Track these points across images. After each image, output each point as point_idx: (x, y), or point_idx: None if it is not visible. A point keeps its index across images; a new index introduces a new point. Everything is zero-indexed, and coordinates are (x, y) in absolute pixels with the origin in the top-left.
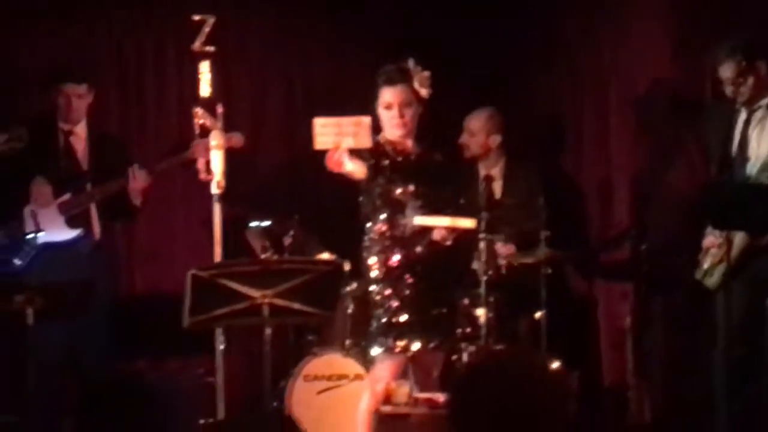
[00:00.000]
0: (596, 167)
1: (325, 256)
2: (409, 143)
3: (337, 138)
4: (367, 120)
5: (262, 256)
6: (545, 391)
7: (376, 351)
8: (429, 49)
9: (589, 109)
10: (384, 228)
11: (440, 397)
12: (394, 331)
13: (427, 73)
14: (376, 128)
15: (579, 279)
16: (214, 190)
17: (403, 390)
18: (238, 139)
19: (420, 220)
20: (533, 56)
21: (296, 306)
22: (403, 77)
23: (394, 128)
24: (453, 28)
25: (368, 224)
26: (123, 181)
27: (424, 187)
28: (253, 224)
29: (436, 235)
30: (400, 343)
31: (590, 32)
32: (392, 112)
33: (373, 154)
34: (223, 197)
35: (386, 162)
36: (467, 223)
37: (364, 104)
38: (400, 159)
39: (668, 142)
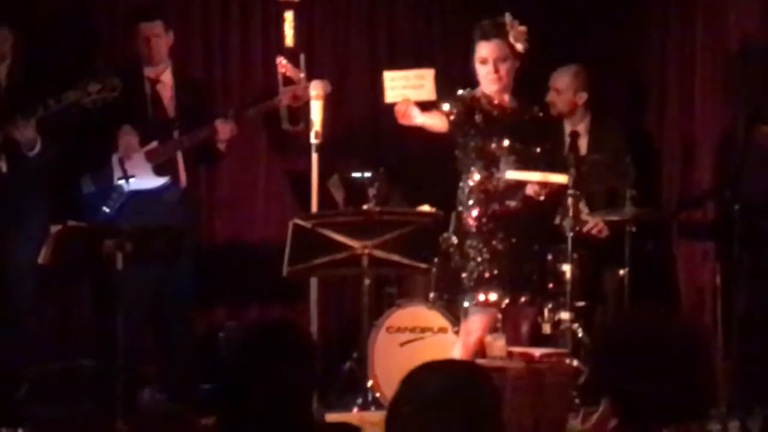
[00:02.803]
0: (680, 126)
1: (425, 208)
2: (506, 98)
3: (405, 91)
4: (430, 72)
5: (364, 207)
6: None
7: (468, 304)
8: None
9: (675, 66)
10: (478, 181)
11: (535, 351)
12: (487, 284)
13: (523, 28)
14: (474, 82)
15: (661, 238)
16: (312, 140)
17: (499, 343)
18: (325, 86)
19: (513, 174)
20: (619, 12)
21: (395, 258)
22: (498, 32)
23: (489, 83)
24: None
25: (463, 177)
26: (210, 130)
27: (518, 142)
28: (356, 175)
29: (529, 190)
30: (493, 297)
31: None
32: (487, 67)
33: (467, 107)
34: (320, 147)
35: (480, 116)
36: (559, 178)
37: (449, 55)
38: (495, 113)
39: (757, 100)
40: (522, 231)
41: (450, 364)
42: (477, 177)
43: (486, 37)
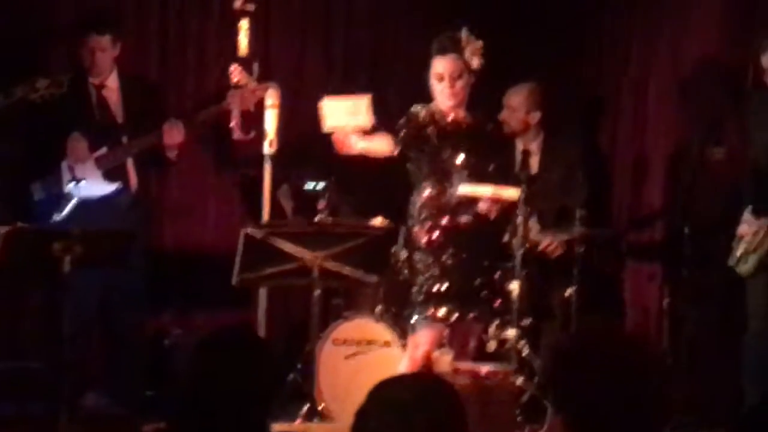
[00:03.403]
0: (633, 145)
1: (378, 221)
2: (461, 113)
3: (343, 118)
4: (365, 100)
5: (317, 218)
6: (653, 374)
7: (416, 318)
8: (474, 12)
9: (629, 85)
10: (429, 196)
11: (482, 368)
12: (435, 299)
13: (479, 43)
14: (429, 97)
15: (608, 258)
16: (266, 149)
17: (446, 359)
18: (272, 88)
19: (465, 189)
20: (576, 30)
21: (346, 270)
22: (454, 47)
23: (444, 98)
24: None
25: (414, 192)
26: (159, 134)
27: (472, 157)
28: (309, 185)
29: (481, 207)
30: (441, 312)
31: (638, 9)
32: (443, 83)
33: (420, 122)
34: (274, 157)
35: (434, 130)
36: (511, 193)
37: (406, 67)
38: (449, 128)
39: (709, 124)
40: (472, 247)
41: (417, 377)
42: (428, 192)
43: (442, 52)
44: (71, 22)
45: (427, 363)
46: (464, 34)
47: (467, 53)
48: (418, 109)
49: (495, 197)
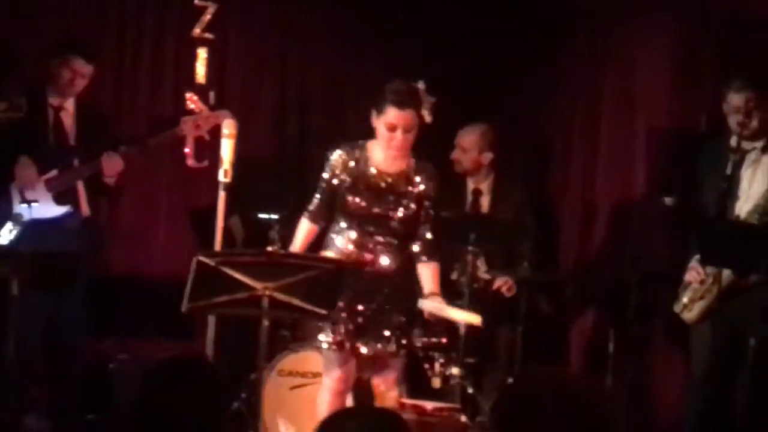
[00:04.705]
0: (583, 189)
1: (330, 254)
2: (397, 163)
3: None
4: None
5: (269, 249)
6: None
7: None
8: (428, 55)
9: (580, 129)
10: (355, 240)
11: (427, 404)
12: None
13: (433, 99)
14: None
15: (554, 301)
16: (221, 177)
17: (392, 394)
18: (228, 117)
19: (427, 306)
20: (530, 75)
21: (296, 301)
22: (413, 102)
23: (390, 149)
24: (453, 40)
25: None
26: (97, 165)
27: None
28: (263, 216)
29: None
30: (349, 343)
31: (589, 56)
32: (394, 134)
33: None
34: (228, 186)
35: (357, 172)
36: (473, 319)
37: (358, 97)
38: (382, 184)
39: (659, 171)
40: (387, 293)
41: (367, 410)
42: (354, 235)
43: (399, 105)
44: (51, 40)
45: (373, 396)
46: (422, 87)
47: (423, 109)
48: (354, 148)
49: (457, 321)
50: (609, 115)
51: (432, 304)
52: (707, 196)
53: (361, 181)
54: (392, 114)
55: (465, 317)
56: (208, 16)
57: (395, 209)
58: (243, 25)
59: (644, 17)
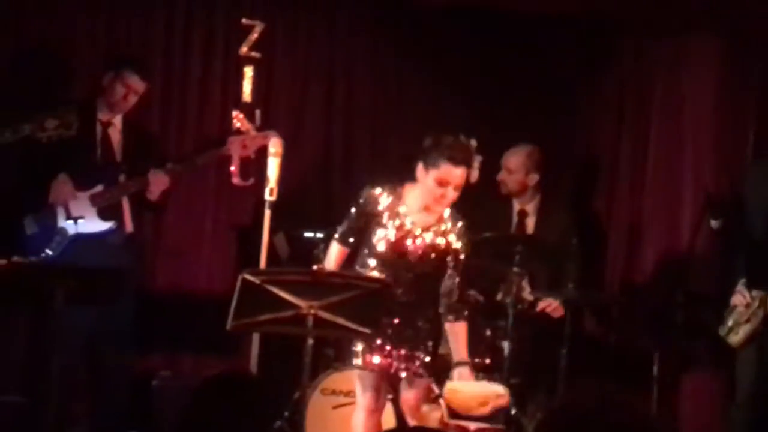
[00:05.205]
0: (630, 210)
1: (375, 273)
2: (435, 215)
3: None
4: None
5: (314, 267)
6: None
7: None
8: (472, 74)
9: (627, 150)
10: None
11: (471, 425)
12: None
13: (481, 158)
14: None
15: (599, 322)
16: (267, 196)
17: (435, 415)
18: (274, 137)
19: (453, 384)
20: (576, 95)
21: (340, 320)
22: (467, 160)
23: (437, 205)
24: (502, 62)
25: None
26: (143, 181)
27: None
28: (308, 234)
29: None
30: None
31: (636, 76)
32: (443, 190)
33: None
34: (273, 204)
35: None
36: (500, 390)
37: (406, 116)
38: (408, 221)
39: (707, 193)
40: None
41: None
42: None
43: (454, 162)
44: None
45: (418, 418)
46: (473, 145)
47: (473, 167)
48: (377, 195)
49: (484, 400)
50: (656, 136)
51: (460, 384)
52: (754, 219)
53: (390, 221)
54: (446, 170)
55: (492, 390)
56: (255, 35)
57: (422, 257)
58: (289, 44)
59: (690, 37)
